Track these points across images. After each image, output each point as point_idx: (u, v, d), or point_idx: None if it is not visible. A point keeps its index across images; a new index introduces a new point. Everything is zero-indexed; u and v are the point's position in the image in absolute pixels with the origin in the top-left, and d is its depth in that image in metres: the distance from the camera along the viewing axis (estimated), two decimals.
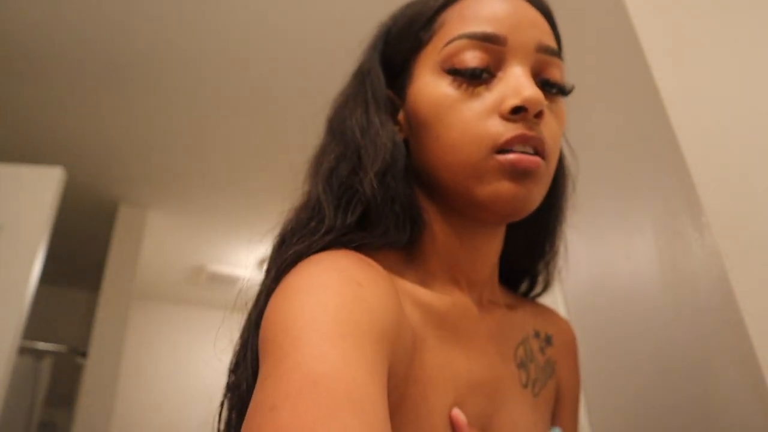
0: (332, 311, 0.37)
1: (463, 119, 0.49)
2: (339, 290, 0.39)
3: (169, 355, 4.00)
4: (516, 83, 0.48)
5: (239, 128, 2.36)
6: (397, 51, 0.56)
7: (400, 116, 0.55)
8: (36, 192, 1.84)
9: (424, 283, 0.51)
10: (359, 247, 0.48)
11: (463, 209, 0.51)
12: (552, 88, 0.52)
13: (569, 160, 0.63)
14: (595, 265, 1.17)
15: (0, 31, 1.95)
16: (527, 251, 0.62)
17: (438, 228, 0.53)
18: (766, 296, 0.63)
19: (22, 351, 2.67)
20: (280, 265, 0.45)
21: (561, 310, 1.45)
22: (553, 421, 0.59)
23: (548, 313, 0.64)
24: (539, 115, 0.48)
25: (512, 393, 0.52)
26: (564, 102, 0.54)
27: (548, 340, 0.60)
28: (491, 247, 0.55)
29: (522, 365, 0.54)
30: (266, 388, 0.33)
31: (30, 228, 1.79)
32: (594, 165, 1.14)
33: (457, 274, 0.53)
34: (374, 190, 0.48)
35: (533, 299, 0.66)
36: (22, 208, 1.81)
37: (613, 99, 1.01)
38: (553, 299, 1.50)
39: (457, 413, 0.45)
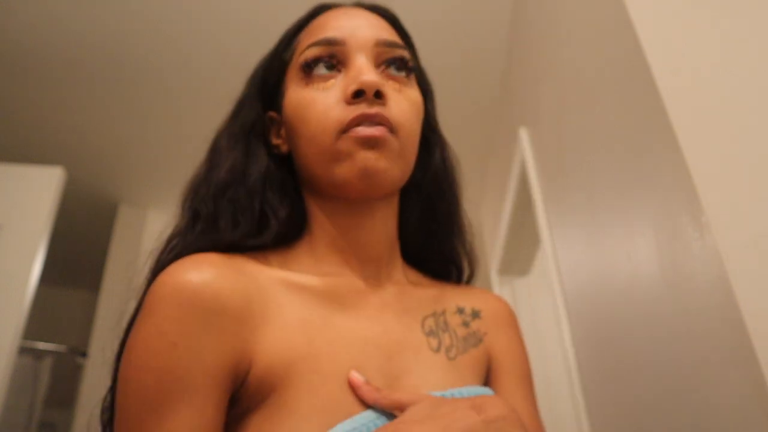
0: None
1: (317, 112, 0.56)
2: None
3: None
4: (356, 72, 0.56)
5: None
6: (270, 75, 0.65)
7: (282, 131, 0.64)
8: (36, 192, 1.84)
9: (315, 269, 0.58)
10: (252, 249, 0.56)
11: (335, 193, 0.58)
12: (400, 69, 0.60)
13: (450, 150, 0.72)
14: (595, 265, 1.17)
15: (0, 31, 1.95)
16: (428, 235, 0.67)
17: (323, 219, 0.60)
18: (766, 296, 0.63)
19: (22, 351, 2.66)
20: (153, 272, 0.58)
21: (561, 310, 1.45)
22: (493, 382, 0.61)
23: (479, 293, 0.69)
24: (379, 95, 0.55)
25: (421, 356, 0.56)
26: (416, 87, 0.63)
27: (475, 315, 0.64)
28: (375, 227, 0.60)
29: (431, 333, 0.59)
30: None
31: (30, 228, 1.79)
32: (594, 165, 1.14)
33: (346, 255, 0.59)
34: (209, 206, 0.57)
35: (468, 284, 0.72)
36: (22, 208, 1.81)
37: (612, 98, 1.01)
38: (553, 299, 1.50)
39: (354, 375, 0.49)
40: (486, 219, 2.77)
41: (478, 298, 0.68)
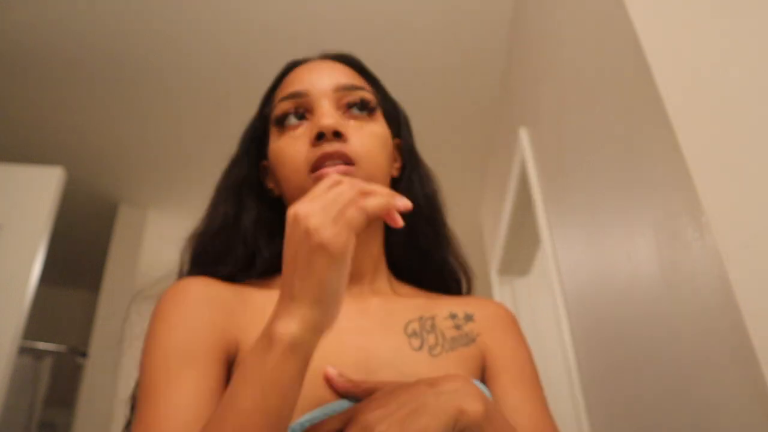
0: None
1: (290, 156, 0.65)
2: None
3: None
4: (317, 118, 0.65)
5: (239, 128, 2.36)
6: (257, 130, 0.75)
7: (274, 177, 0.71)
8: (36, 192, 1.84)
9: None
10: (243, 280, 0.66)
11: None
12: (359, 108, 0.68)
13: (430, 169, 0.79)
14: (595, 265, 1.17)
15: (0, 31, 1.95)
16: (418, 253, 0.73)
17: None
18: (766, 296, 0.63)
19: (22, 351, 2.66)
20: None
21: (561, 310, 1.45)
22: (489, 385, 0.63)
23: (477, 300, 0.73)
24: (338, 134, 0.63)
25: (399, 353, 0.61)
26: (380, 121, 0.70)
27: (468, 318, 0.68)
28: (357, 249, 0.63)
29: (414, 335, 0.64)
30: None
31: (30, 228, 1.79)
32: (594, 165, 1.14)
33: None
34: (207, 249, 0.69)
35: (468, 295, 0.76)
36: (22, 208, 1.81)
37: (612, 98, 1.01)
38: (553, 299, 1.50)
39: (329, 369, 0.55)
40: (486, 219, 2.77)
41: (474, 305, 0.71)
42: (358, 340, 0.61)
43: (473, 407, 0.48)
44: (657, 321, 0.87)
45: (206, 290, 0.61)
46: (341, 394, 0.54)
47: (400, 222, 0.52)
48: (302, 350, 0.45)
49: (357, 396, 0.53)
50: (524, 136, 1.76)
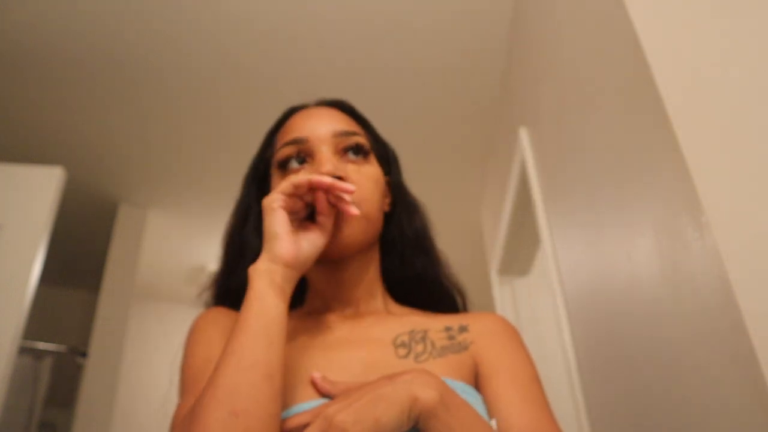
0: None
1: None
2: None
3: (170, 355, 3.98)
4: (318, 164, 0.70)
5: (239, 128, 2.36)
6: (259, 171, 0.81)
7: None
8: (36, 192, 1.84)
9: (308, 316, 0.75)
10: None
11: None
12: (356, 153, 0.74)
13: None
14: (595, 265, 1.17)
15: (0, 31, 1.95)
16: (409, 275, 0.79)
17: (313, 279, 0.77)
18: (766, 296, 0.63)
19: (22, 351, 2.66)
20: None
21: (561, 310, 1.45)
22: (483, 389, 0.65)
23: (475, 314, 0.77)
24: (338, 179, 0.67)
25: (384, 359, 0.66)
26: (373, 163, 0.76)
27: (462, 329, 0.71)
28: (352, 276, 0.74)
29: (402, 345, 0.68)
30: None
31: (30, 228, 1.79)
32: (594, 165, 1.14)
33: (328, 301, 0.75)
34: (220, 286, 0.79)
35: (463, 311, 0.81)
36: (22, 208, 1.81)
37: (612, 98, 1.01)
38: (553, 299, 1.50)
39: (314, 373, 0.61)
40: (486, 219, 2.77)
41: (470, 318, 0.74)
42: (346, 354, 0.66)
43: (426, 395, 0.51)
44: (657, 321, 0.87)
45: (214, 315, 0.72)
46: (323, 395, 0.59)
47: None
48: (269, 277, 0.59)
49: (334, 395, 0.58)
50: (524, 136, 1.76)
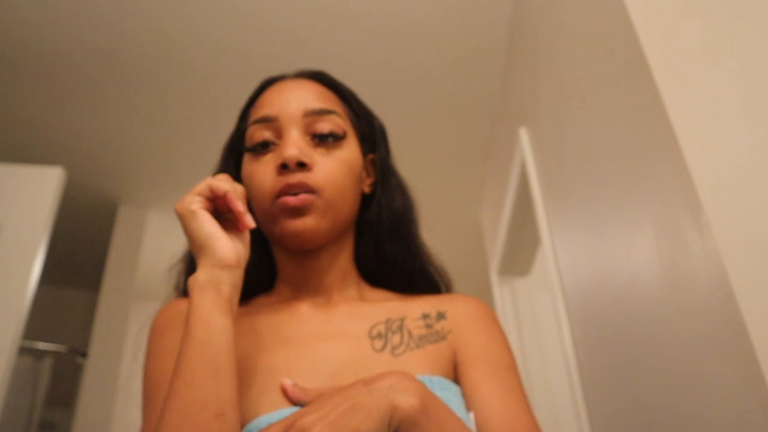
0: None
1: (258, 181, 0.68)
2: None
3: None
4: (283, 147, 0.67)
5: None
6: (235, 146, 0.78)
7: None
8: (36, 192, 1.84)
9: (278, 303, 0.72)
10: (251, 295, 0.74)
11: (281, 245, 0.71)
12: (325, 138, 0.70)
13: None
14: (595, 265, 1.17)
15: (0, 31, 1.95)
16: (391, 261, 0.76)
17: (282, 262, 0.74)
18: (766, 296, 0.63)
19: (22, 351, 2.67)
20: None
21: (561, 310, 1.45)
22: (461, 380, 0.64)
23: (452, 297, 0.75)
24: (302, 164, 0.66)
25: (359, 355, 0.64)
26: (348, 146, 0.72)
27: (440, 316, 0.70)
28: (322, 264, 0.72)
29: (378, 336, 0.66)
30: None
31: (30, 228, 1.79)
32: (594, 165, 1.14)
33: (299, 289, 0.72)
34: (192, 264, 0.72)
35: (441, 292, 0.78)
36: (22, 208, 1.81)
37: (612, 98, 1.01)
38: (553, 299, 1.50)
39: (284, 380, 0.58)
40: (486, 219, 2.77)
41: (448, 302, 0.72)
42: (320, 350, 0.64)
43: (407, 402, 0.47)
44: (657, 321, 0.87)
45: (183, 319, 0.66)
46: (295, 403, 0.57)
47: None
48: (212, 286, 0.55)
49: (306, 403, 0.55)
50: (524, 136, 1.76)
